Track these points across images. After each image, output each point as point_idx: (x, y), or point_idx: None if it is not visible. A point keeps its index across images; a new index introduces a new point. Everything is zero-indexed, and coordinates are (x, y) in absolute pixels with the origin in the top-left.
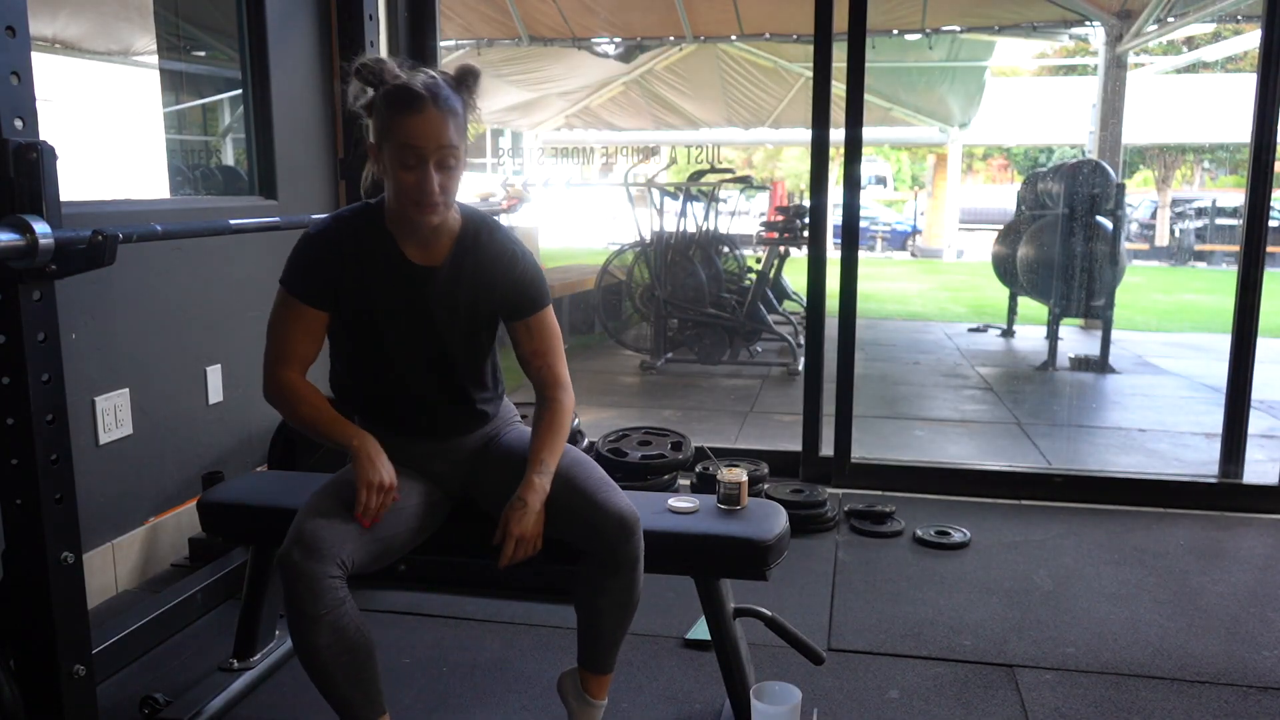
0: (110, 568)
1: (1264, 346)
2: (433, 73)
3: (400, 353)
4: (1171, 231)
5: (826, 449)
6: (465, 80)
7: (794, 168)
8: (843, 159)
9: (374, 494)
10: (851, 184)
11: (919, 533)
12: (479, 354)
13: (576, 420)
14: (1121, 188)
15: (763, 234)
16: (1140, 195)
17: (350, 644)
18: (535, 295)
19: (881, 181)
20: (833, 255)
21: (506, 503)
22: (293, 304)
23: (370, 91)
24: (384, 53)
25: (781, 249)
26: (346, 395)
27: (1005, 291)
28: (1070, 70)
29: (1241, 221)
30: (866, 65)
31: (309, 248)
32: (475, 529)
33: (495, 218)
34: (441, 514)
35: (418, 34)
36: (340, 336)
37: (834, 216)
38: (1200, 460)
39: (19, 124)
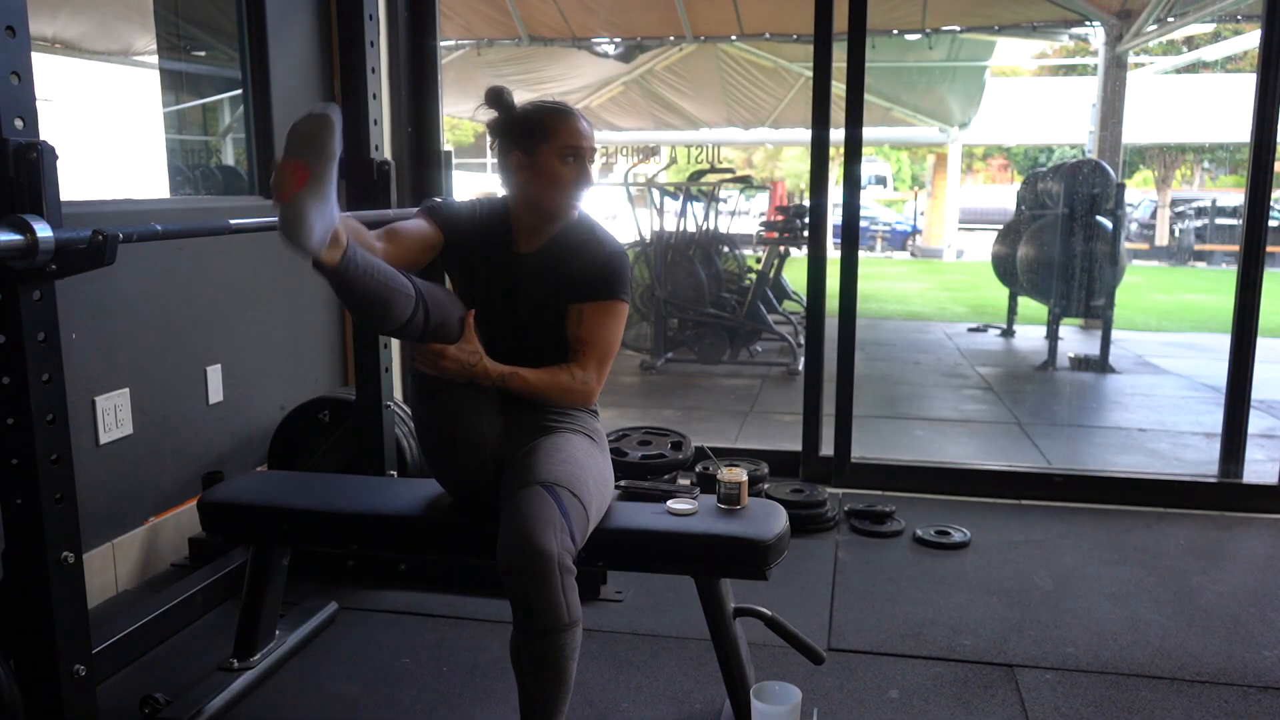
0: (110, 568)
1: (1264, 346)
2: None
3: (481, 321)
4: (1171, 231)
5: (826, 449)
6: None
7: (794, 168)
8: (843, 159)
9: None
10: (851, 184)
11: (919, 533)
12: (549, 335)
13: None
14: (1121, 187)
15: (763, 234)
16: (1140, 195)
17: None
18: (602, 284)
19: (881, 181)
20: (833, 255)
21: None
22: (419, 214)
23: (495, 112)
24: (384, 53)
25: (781, 249)
26: None
27: (1005, 291)
28: (1070, 70)
29: (1241, 221)
30: (866, 65)
31: (458, 202)
32: (475, 529)
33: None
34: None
35: (418, 34)
36: None
37: (834, 216)
38: (1200, 460)
39: (19, 124)
